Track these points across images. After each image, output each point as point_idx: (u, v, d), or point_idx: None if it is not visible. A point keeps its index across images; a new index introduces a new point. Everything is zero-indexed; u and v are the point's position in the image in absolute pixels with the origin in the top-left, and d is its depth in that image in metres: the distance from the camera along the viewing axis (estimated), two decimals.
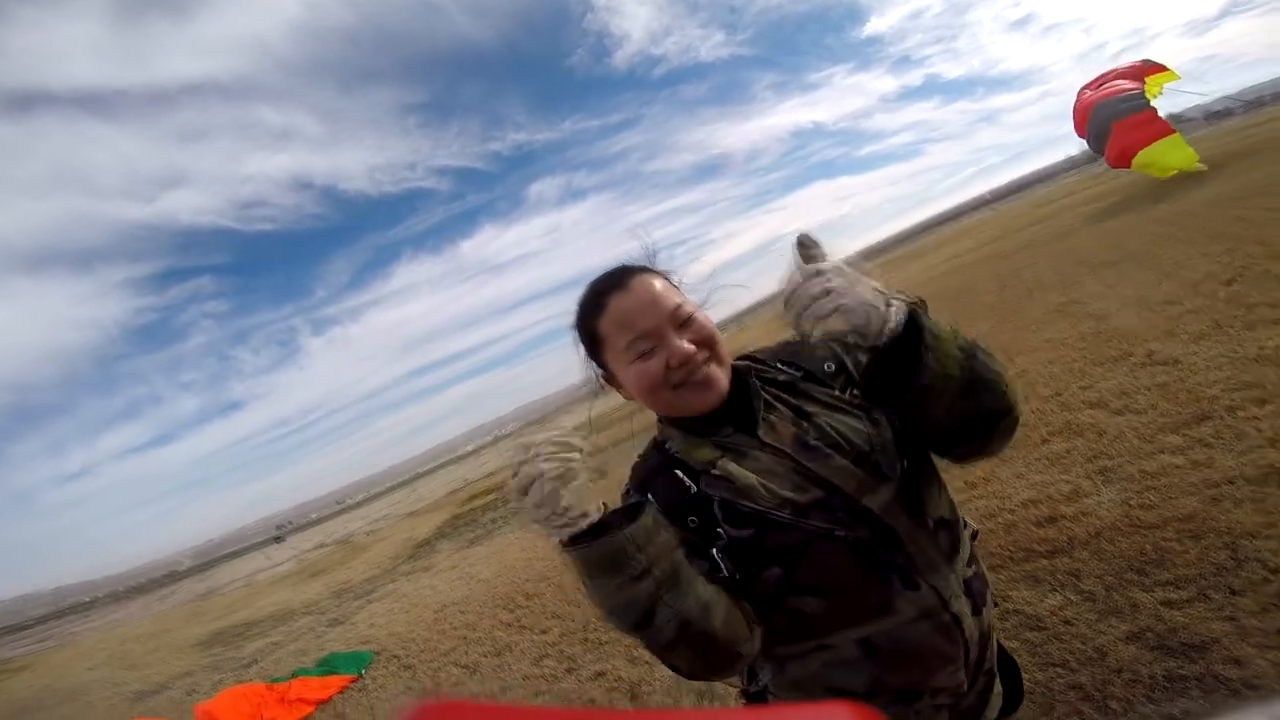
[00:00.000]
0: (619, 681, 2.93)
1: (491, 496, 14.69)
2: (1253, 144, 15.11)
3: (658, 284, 0.88)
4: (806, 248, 0.75)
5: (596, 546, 0.70)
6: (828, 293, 0.70)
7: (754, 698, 0.96)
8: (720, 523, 0.80)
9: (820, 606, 0.81)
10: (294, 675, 5.10)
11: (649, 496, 0.84)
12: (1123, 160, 12.27)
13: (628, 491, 0.91)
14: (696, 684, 2.58)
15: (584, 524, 0.71)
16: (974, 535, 1.01)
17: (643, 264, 0.93)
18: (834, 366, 0.92)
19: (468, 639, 4.56)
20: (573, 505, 0.70)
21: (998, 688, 0.98)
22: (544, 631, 4.00)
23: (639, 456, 0.96)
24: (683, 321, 0.85)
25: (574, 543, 0.71)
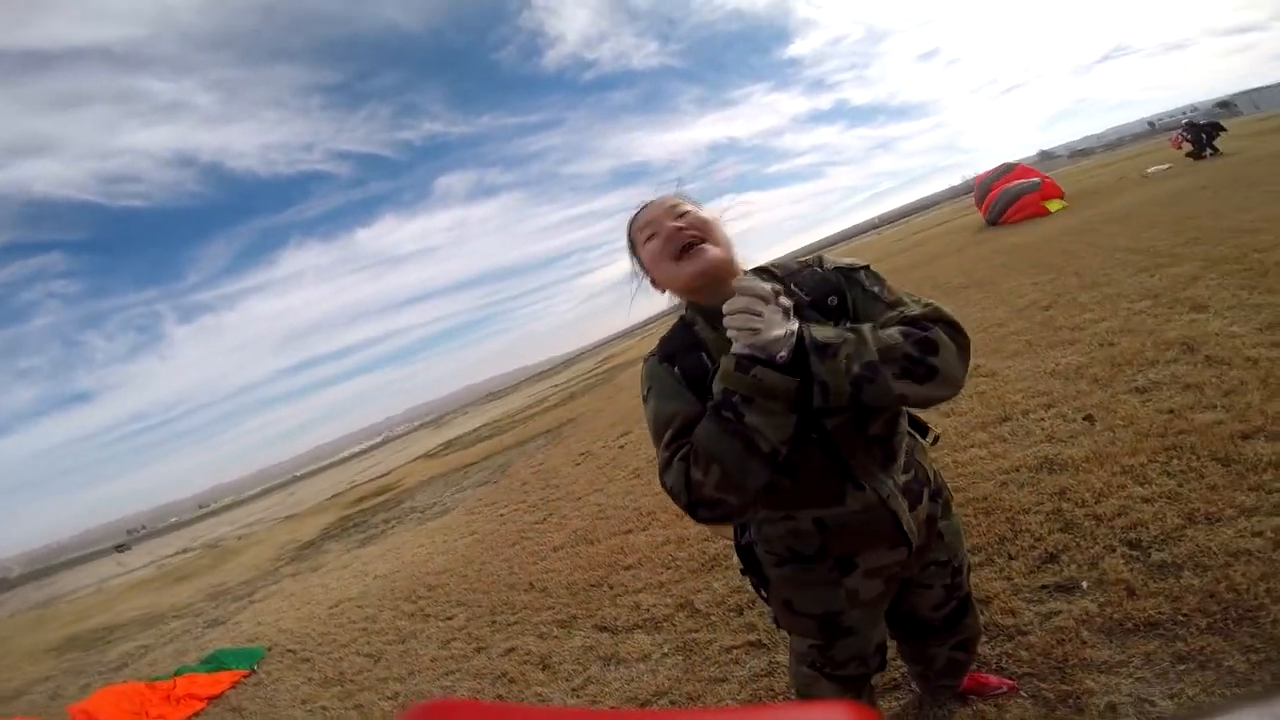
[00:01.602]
0: (529, 655, 3.16)
1: (383, 497, 14.26)
2: (1097, 183, 17.71)
3: (677, 198, 1.14)
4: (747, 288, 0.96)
5: (780, 376, 0.91)
6: (750, 315, 0.92)
7: (744, 550, 1.26)
8: None
9: (791, 486, 1.05)
10: (177, 674, 4.90)
11: (675, 367, 1.07)
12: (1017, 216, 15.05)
13: (655, 358, 1.12)
14: (603, 651, 2.90)
15: (781, 351, 0.91)
16: (934, 440, 1.30)
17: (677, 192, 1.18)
18: (836, 301, 1.08)
19: (369, 630, 4.60)
20: (777, 339, 0.91)
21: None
22: (449, 618, 4.15)
23: (668, 331, 1.16)
24: (679, 214, 1.09)
25: (759, 363, 0.91)
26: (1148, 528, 2.22)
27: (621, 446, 7.59)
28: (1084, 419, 3.22)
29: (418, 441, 41.18)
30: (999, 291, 7.19)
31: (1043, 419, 3.42)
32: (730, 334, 0.94)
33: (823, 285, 1.09)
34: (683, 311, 1.17)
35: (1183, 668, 1.63)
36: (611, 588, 3.55)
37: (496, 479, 9.68)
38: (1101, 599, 1.98)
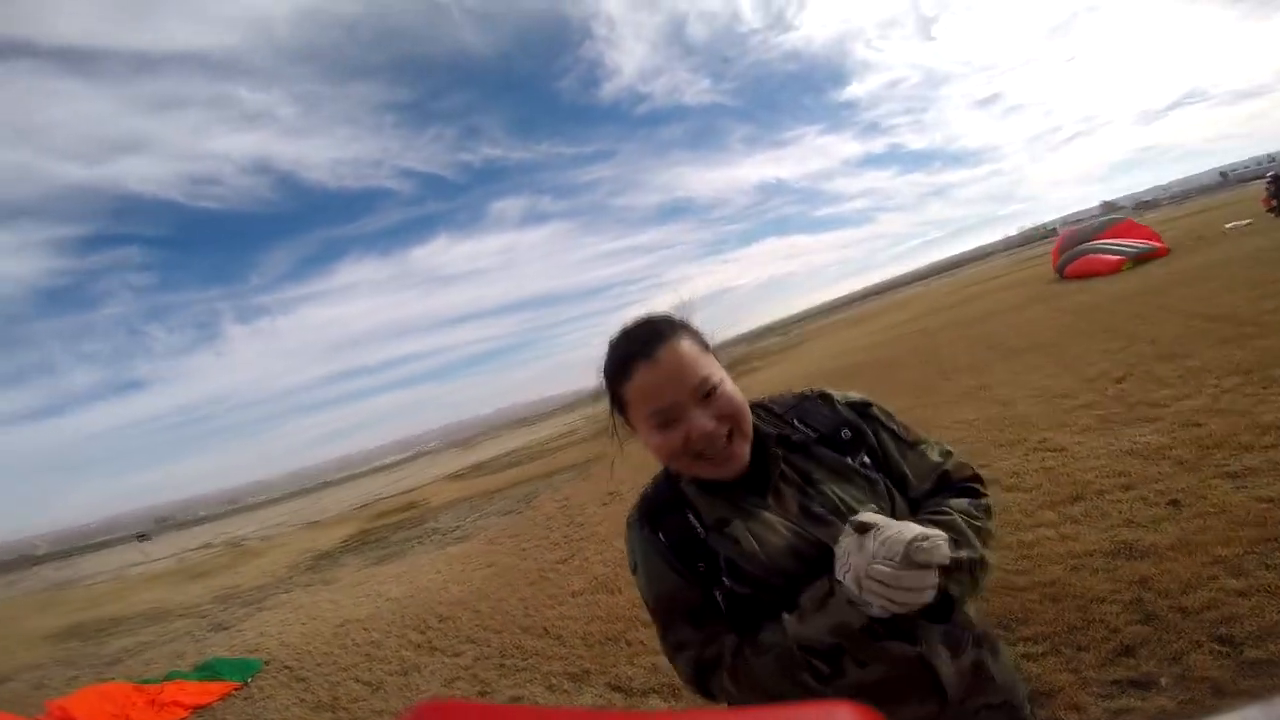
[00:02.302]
0: None
1: (406, 514, 14.20)
2: (1169, 240, 16.90)
3: (685, 352, 0.88)
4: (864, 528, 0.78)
5: (907, 647, 0.83)
6: (916, 592, 0.74)
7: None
8: (724, 574, 0.87)
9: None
10: (167, 678, 4.77)
11: (659, 534, 0.92)
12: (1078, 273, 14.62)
13: (637, 524, 0.96)
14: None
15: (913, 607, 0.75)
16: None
17: (673, 320, 0.94)
18: (850, 434, 0.96)
19: (371, 656, 4.42)
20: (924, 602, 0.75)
21: None
22: (457, 655, 3.95)
23: (649, 486, 1.00)
24: (707, 394, 0.87)
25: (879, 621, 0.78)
26: (1242, 623, 1.99)
27: None
28: (1169, 504, 2.90)
29: (446, 461, 41.38)
30: (1065, 358, 6.78)
31: (1120, 501, 3.10)
32: (872, 598, 0.75)
33: (834, 420, 0.98)
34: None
35: None
36: (629, 644, 3.31)
37: (521, 509, 9.52)
38: (1182, 696, 1.80)
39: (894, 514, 0.86)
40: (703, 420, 0.86)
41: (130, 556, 28.57)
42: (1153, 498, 3.00)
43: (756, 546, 0.86)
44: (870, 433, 0.97)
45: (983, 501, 0.93)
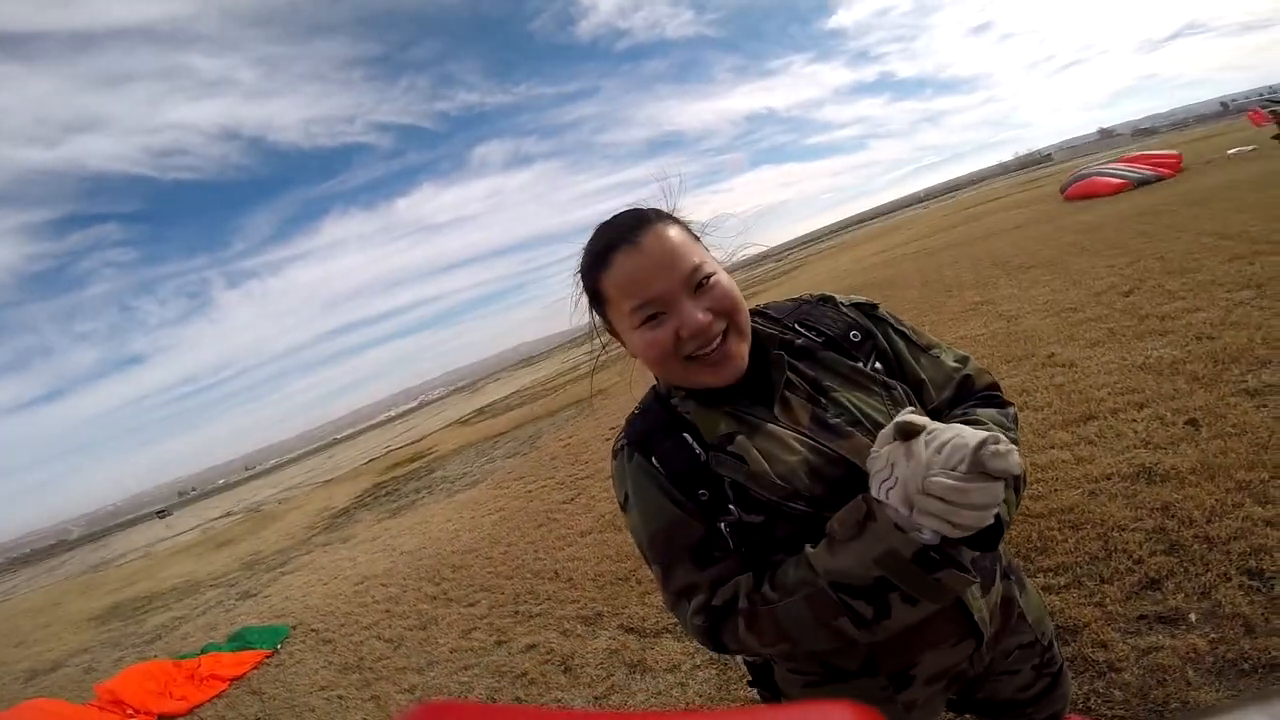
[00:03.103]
0: (551, 654, 2.97)
1: (416, 464, 14.38)
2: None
3: (674, 238, 0.77)
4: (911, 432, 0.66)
5: (965, 577, 0.67)
6: (981, 511, 0.62)
7: (759, 669, 0.96)
8: (732, 501, 0.76)
9: None
10: (204, 651, 4.90)
11: (652, 459, 0.80)
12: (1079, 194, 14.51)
13: (625, 450, 0.84)
14: (629, 655, 2.70)
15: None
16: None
17: (659, 210, 0.82)
18: (859, 336, 0.86)
19: (391, 612, 4.50)
20: (984, 521, 0.63)
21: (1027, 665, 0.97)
22: (472, 604, 4.00)
23: (637, 408, 0.89)
24: (699, 284, 0.76)
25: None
26: (1272, 555, 1.92)
27: None
28: (1186, 423, 2.82)
29: (452, 406, 41.83)
30: (1070, 273, 6.62)
31: (1135, 420, 3.02)
32: (927, 520, 0.62)
33: (840, 322, 0.87)
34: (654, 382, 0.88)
35: None
36: (640, 583, 3.33)
37: (526, 451, 9.58)
38: (1213, 635, 1.72)
39: None
40: (696, 313, 0.74)
41: (157, 531, 29.21)
42: (1169, 417, 2.92)
43: (766, 465, 0.74)
44: (880, 335, 0.87)
45: (1010, 410, 0.86)
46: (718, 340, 0.76)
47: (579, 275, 0.84)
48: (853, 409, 0.78)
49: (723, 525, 0.77)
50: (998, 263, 9.10)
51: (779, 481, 0.74)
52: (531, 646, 3.12)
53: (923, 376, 0.86)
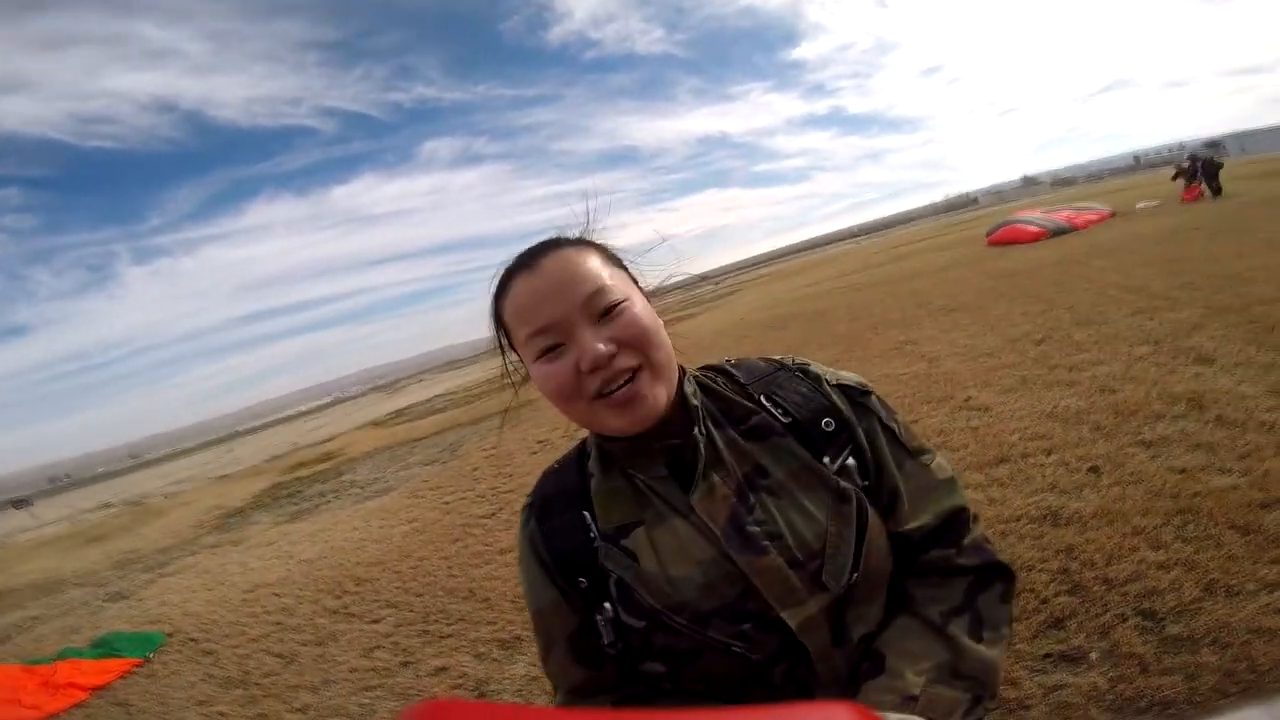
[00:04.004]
0: (463, 678, 2.82)
1: (323, 466, 13.62)
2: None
3: (578, 261, 0.68)
4: None
5: None
6: None
7: None
8: (615, 599, 0.68)
9: (705, 695, 0.70)
10: (61, 656, 4.38)
11: (541, 529, 0.73)
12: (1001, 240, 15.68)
13: (528, 510, 0.77)
14: (548, 685, 2.57)
15: None
16: None
17: (576, 236, 0.75)
18: (833, 425, 0.72)
19: (284, 625, 4.17)
20: None
21: None
22: (376, 621, 3.76)
23: (557, 463, 0.81)
24: (603, 312, 0.66)
25: None
26: (1163, 597, 2.05)
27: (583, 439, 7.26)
28: (1089, 470, 3.00)
29: (368, 406, 40.00)
30: (988, 318, 7.04)
31: (1043, 465, 3.19)
32: None
33: (816, 403, 0.73)
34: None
35: None
36: None
37: (445, 459, 9.25)
38: (1112, 673, 1.81)
39: (859, 545, 0.66)
40: (593, 343, 0.64)
41: (19, 521, 26.24)
42: (1074, 463, 3.11)
43: (658, 569, 0.66)
44: (861, 429, 0.73)
45: (1007, 603, 0.72)
46: (625, 378, 0.66)
47: (490, 302, 0.75)
48: (779, 519, 0.67)
49: (599, 619, 0.69)
50: (922, 303, 9.58)
51: (666, 589, 0.66)
52: (441, 669, 2.95)
53: (900, 486, 0.72)
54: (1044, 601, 2.19)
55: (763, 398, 0.74)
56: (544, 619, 0.73)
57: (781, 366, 0.78)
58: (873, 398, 0.76)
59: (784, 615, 0.64)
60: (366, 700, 2.87)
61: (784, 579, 0.64)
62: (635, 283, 0.74)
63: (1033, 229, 14.89)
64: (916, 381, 5.33)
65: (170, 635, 4.59)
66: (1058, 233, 14.28)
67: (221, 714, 3.17)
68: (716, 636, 0.65)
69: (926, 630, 0.68)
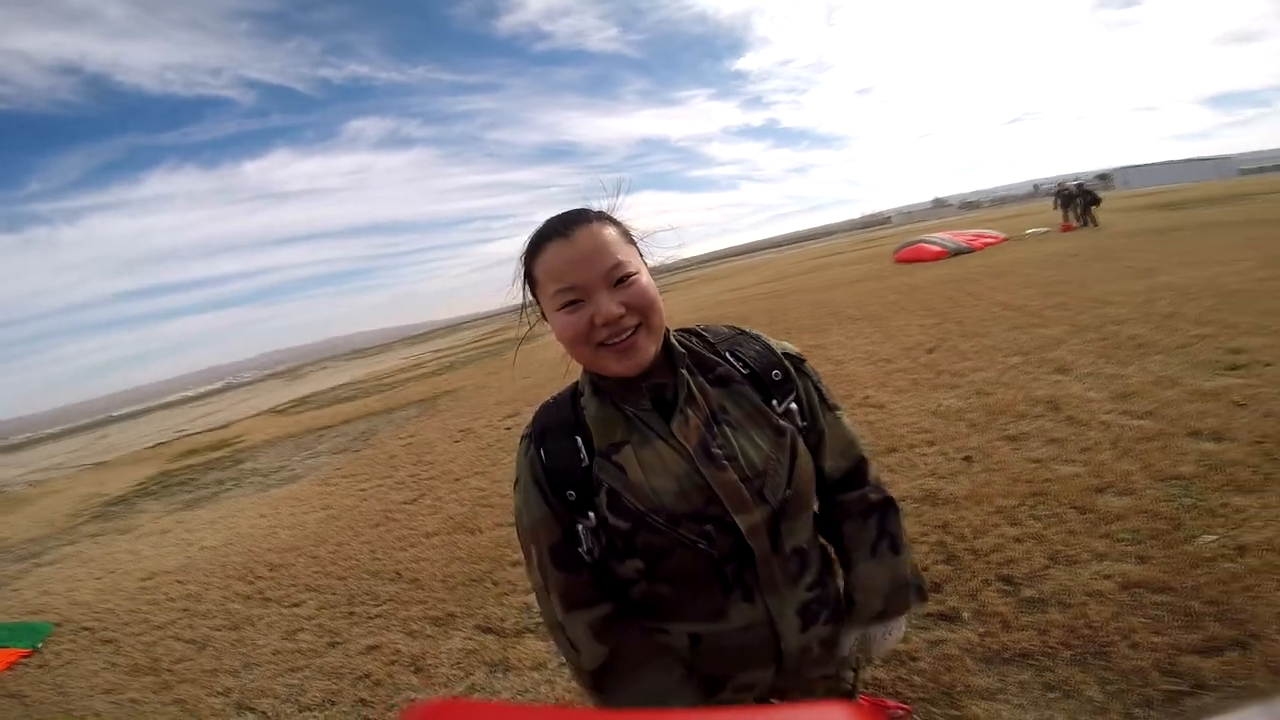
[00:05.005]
0: (397, 655, 2.85)
1: (218, 453, 12.79)
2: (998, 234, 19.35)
3: (605, 236, 0.85)
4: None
5: None
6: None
7: None
8: (604, 508, 0.86)
9: (672, 596, 0.89)
10: None
11: (541, 451, 0.90)
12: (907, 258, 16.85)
13: (528, 438, 0.94)
14: (489, 655, 2.68)
15: None
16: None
17: (601, 211, 0.91)
18: (780, 376, 0.94)
19: (191, 611, 4.01)
20: None
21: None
22: (295, 605, 3.70)
23: (553, 398, 0.98)
24: (619, 280, 0.84)
25: None
26: (1019, 565, 2.42)
27: (508, 428, 7.26)
28: (963, 459, 3.46)
29: (265, 393, 37.54)
30: (889, 328, 7.67)
31: (926, 455, 3.64)
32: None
33: (767, 359, 0.96)
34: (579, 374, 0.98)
35: (1051, 696, 1.80)
36: (496, 584, 3.31)
37: (358, 448, 8.97)
38: (981, 629, 2.13)
39: (792, 469, 0.88)
40: (610, 304, 0.82)
41: None
42: (951, 453, 3.56)
43: (642, 479, 0.84)
44: (800, 386, 0.96)
45: (895, 522, 1.03)
46: (628, 333, 0.84)
47: (520, 258, 0.93)
48: (736, 444, 0.86)
49: (580, 526, 0.87)
50: (833, 312, 10.25)
51: (649, 496, 0.83)
52: (373, 648, 2.97)
53: (825, 433, 0.97)
54: (924, 570, 2.52)
55: (727, 353, 0.95)
56: (534, 533, 0.90)
57: (741, 331, 1.01)
58: (807, 364, 1.01)
59: (737, 519, 0.84)
60: (295, 681, 2.86)
61: (738, 490, 0.84)
62: (642, 257, 0.92)
63: (935, 249, 16.23)
64: (824, 381, 5.79)
65: (59, 625, 4.30)
66: (957, 253, 15.63)
67: (134, 700, 3.06)
68: (686, 534, 0.84)
69: (868, 563, 0.99)
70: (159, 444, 20.26)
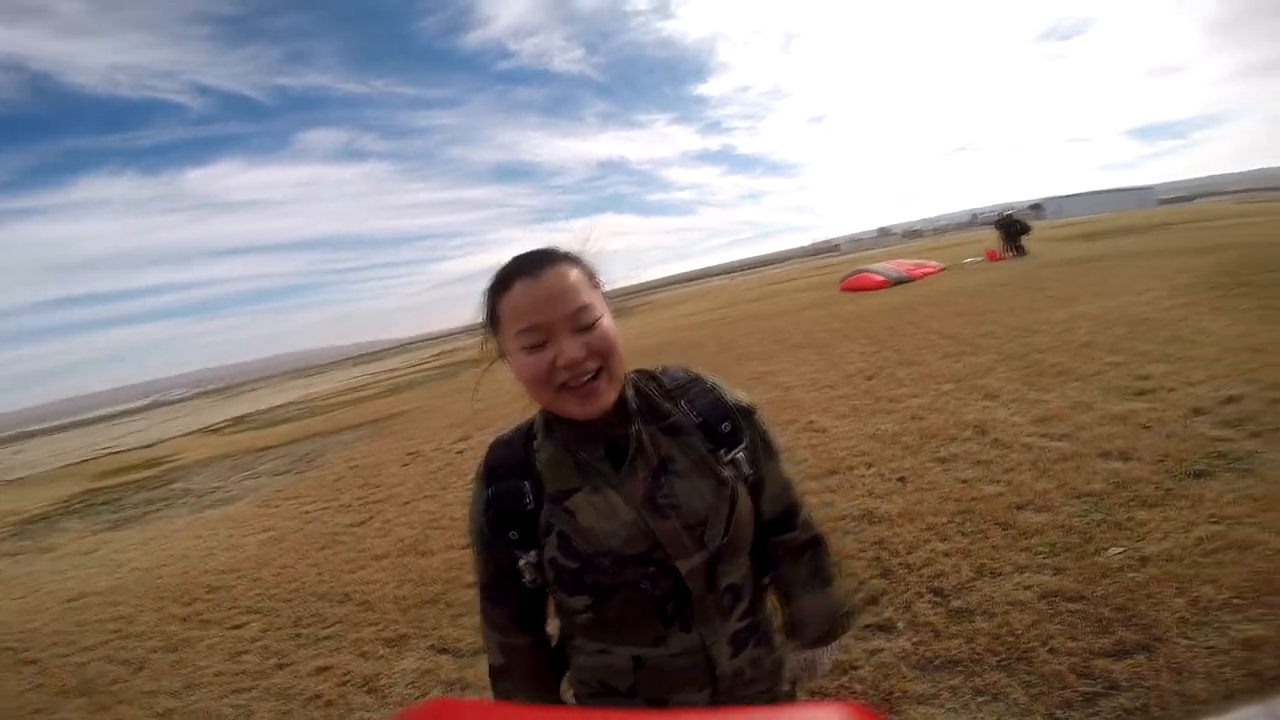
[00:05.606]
0: (349, 675, 2.83)
1: (147, 473, 12.21)
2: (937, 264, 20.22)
3: (572, 278, 0.87)
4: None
5: None
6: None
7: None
8: (554, 548, 0.89)
9: (616, 622, 0.94)
10: None
11: (488, 490, 0.94)
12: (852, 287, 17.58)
13: (478, 469, 0.97)
14: (445, 675, 2.69)
15: None
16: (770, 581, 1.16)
17: (569, 253, 0.92)
18: (730, 427, 0.96)
19: (124, 633, 3.87)
20: None
21: None
22: (238, 627, 3.62)
23: (505, 435, 0.99)
24: (583, 326, 0.85)
25: None
26: (948, 578, 2.59)
27: (460, 451, 7.22)
28: (898, 480, 3.69)
29: (197, 412, 35.79)
30: (832, 356, 7.99)
31: (864, 476, 3.86)
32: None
33: (719, 410, 0.98)
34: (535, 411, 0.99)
35: (981, 700, 1.94)
36: (450, 605, 3.31)
37: (300, 469, 8.77)
38: (915, 639, 2.26)
39: (730, 517, 0.92)
40: (573, 348, 0.83)
41: None
42: (887, 474, 3.78)
43: (593, 523, 0.88)
44: (749, 437, 0.99)
45: (827, 553, 1.11)
46: (588, 377, 0.85)
47: (485, 293, 0.93)
48: (680, 495, 0.89)
49: (523, 562, 0.91)
50: (780, 339, 10.55)
51: (597, 539, 0.87)
52: (324, 669, 2.94)
53: (766, 480, 1.01)
54: (862, 583, 2.68)
55: (683, 401, 0.98)
56: (477, 562, 1.00)
57: (697, 378, 1.02)
58: (757, 414, 1.04)
59: (677, 564, 0.89)
60: (241, 702, 2.81)
61: (679, 538, 0.88)
62: (605, 298, 0.94)
63: (878, 278, 16.94)
64: (770, 407, 5.99)
65: None
66: (899, 282, 16.33)
67: None
68: (631, 576, 0.88)
69: (805, 597, 1.08)
70: (82, 461, 19.10)
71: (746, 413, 1.01)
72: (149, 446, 19.11)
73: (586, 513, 0.88)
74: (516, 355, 0.87)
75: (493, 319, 0.91)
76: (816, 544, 1.11)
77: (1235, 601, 2.07)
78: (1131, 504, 2.82)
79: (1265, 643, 1.87)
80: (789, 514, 1.07)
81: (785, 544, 1.08)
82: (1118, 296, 7.90)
